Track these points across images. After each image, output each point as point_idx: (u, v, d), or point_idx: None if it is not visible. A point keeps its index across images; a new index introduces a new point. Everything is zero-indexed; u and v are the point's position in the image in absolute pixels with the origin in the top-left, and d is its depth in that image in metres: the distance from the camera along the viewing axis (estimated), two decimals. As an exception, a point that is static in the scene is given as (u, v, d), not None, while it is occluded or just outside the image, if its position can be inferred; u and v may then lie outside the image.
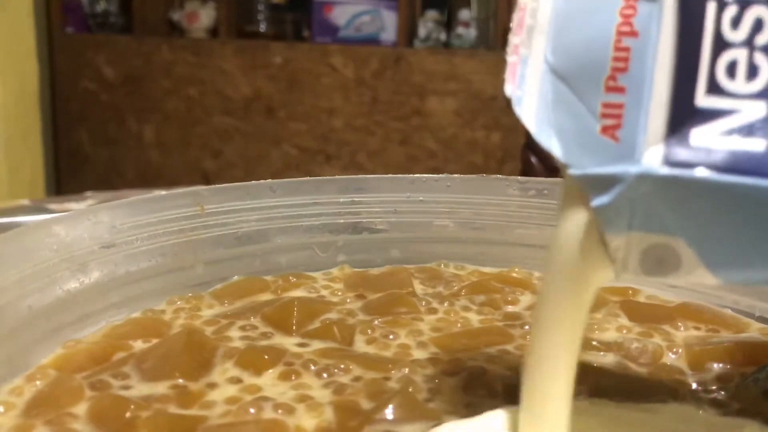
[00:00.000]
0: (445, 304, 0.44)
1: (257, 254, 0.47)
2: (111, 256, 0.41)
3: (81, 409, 0.32)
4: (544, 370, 0.28)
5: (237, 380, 0.35)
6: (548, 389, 0.28)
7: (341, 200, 0.49)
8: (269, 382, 0.35)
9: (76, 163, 2.40)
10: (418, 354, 0.39)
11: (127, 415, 0.31)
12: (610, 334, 0.41)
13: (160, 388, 0.34)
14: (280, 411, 0.32)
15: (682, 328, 0.41)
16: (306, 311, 0.42)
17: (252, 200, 0.47)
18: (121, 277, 0.42)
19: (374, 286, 0.47)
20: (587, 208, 0.25)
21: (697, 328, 0.41)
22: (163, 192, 0.43)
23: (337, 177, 0.49)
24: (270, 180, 0.48)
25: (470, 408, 0.34)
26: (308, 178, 0.48)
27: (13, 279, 0.36)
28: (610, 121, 0.24)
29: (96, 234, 0.40)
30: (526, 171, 1.43)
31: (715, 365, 0.37)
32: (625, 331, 0.41)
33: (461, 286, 0.47)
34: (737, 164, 0.23)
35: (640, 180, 0.24)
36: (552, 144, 0.25)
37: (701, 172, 0.23)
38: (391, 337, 0.40)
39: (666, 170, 0.24)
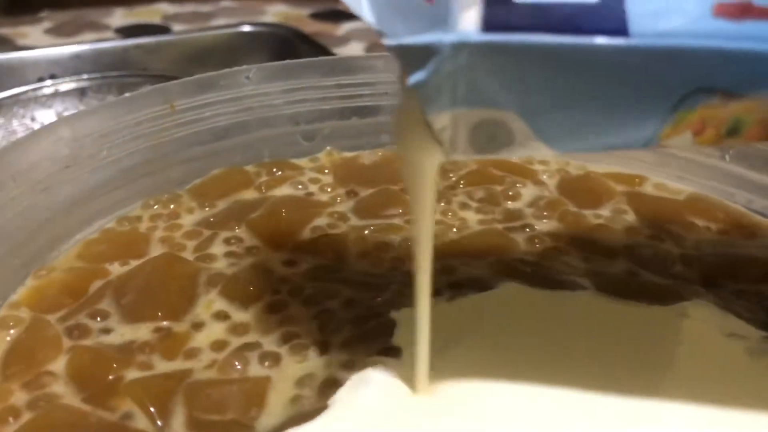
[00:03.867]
0: (442, 203, 0.41)
1: (237, 149, 0.44)
2: (76, 173, 0.37)
3: (59, 365, 0.30)
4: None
5: (224, 316, 0.33)
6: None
7: (326, 84, 0.44)
8: (256, 316, 0.33)
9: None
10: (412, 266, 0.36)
11: (110, 377, 0.30)
12: (620, 237, 0.38)
13: (143, 331, 0.32)
14: (267, 363, 0.30)
15: (692, 229, 0.39)
16: (294, 219, 0.40)
17: (227, 91, 0.42)
18: (90, 193, 0.38)
19: (365, 179, 0.44)
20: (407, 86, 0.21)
21: (708, 229, 0.39)
22: (128, 95, 0.38)
23: (321, 58, 0.44)
24: (245, 66, 0.43)
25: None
26: (288, 61, 0.43)
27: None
28: None
29: (57, 154, 0.36)
30: None
31: (729, 283, 0.35)
32: (635, 235, 0.38)
33: (459, 176, 0.44)
34: (564, 22, 0.20)
35: (457, 50, 0.20)
36: (362, 5, 0.21)
37: (523, 36, 0.20)
38: (384, 249, 0.38)
39: (484, 36, 0.20)
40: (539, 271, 0.35)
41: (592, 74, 0.20)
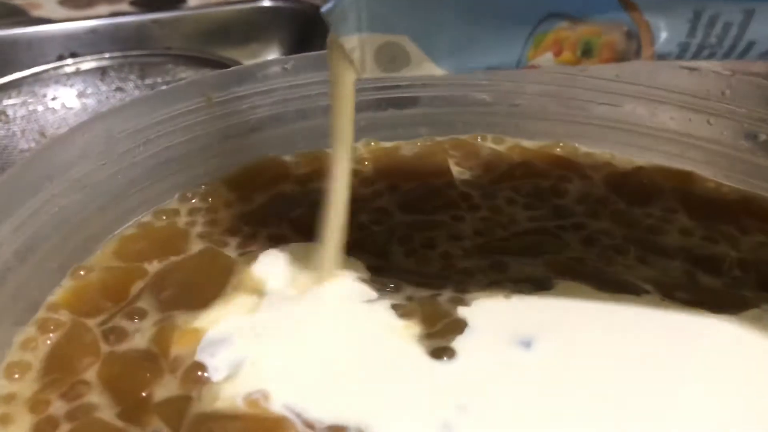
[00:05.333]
0: (489, 199, 0.40)
1: (273, 141, 0.42)
2: (112, 170, 0.36)
3: (95, 373, 0.30)
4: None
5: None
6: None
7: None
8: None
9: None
10: (463, 263, 0.35)
11: (143, 394, 0.29)
12: (674, 238, 0.37)
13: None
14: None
15: (746, 231, 0.37)
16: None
17: (263, 82, 0.41)
18: (126, 189, 0.37)
19: (406, 172, 0.42)
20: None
21: (762, 231, 0.37)
22: (164, 87, 0.37)
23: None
24: (282, 56, 0.41)
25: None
26: (325, 51, 0.42)
27: (16, 223, 0.31)
28: None
29: (92, 151, 0.35)
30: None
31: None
32: (689, 236, 0.37)
33: (503, 170, 0.42)
34: None
35: None
36: None
37: None
38: (431, 246, 0.36)
39: None
40: (597, 271, 0.34)
41: (463, 3, 0.25)
